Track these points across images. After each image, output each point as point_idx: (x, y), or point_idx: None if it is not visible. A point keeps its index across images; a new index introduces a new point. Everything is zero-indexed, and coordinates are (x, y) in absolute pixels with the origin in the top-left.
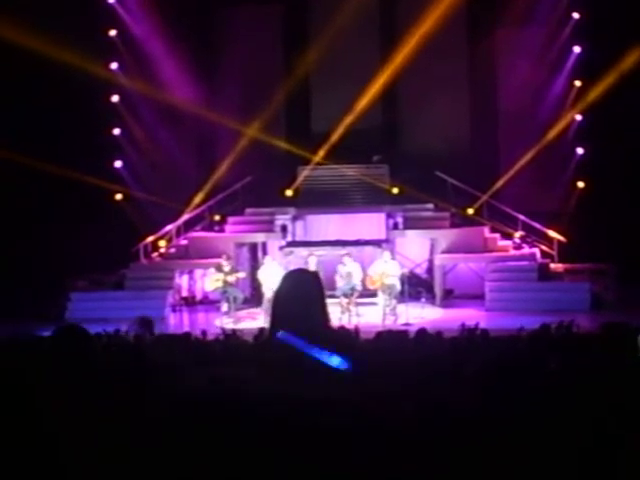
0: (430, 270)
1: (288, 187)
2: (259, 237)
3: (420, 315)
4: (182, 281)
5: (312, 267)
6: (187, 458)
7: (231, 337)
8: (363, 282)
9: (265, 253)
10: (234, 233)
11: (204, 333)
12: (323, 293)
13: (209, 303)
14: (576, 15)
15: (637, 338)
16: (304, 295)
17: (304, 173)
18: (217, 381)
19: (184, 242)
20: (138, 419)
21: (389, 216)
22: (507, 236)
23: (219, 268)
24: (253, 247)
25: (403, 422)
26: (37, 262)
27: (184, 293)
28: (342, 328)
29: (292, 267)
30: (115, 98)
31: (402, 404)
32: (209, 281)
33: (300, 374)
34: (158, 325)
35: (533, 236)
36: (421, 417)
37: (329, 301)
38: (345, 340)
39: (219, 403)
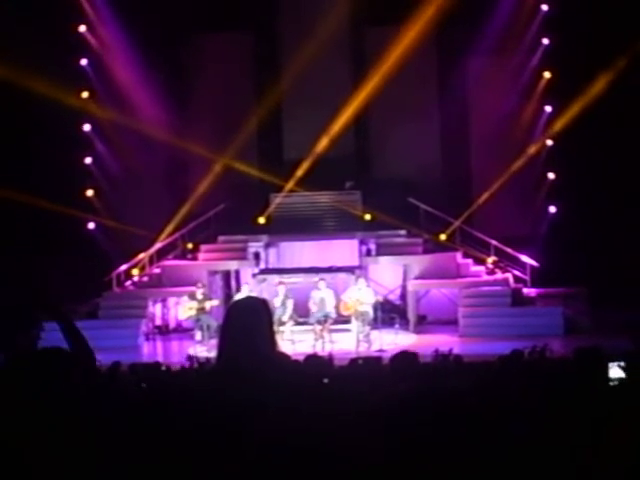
0: (403, 296)
1: (261, 214)
2: (232, 265)
3: (394, 341)
4: (155, 310)
5: (281, 296)
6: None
7: (205, 366)
8: (337, 308)
9: (238, 281)
10: (207, 261)
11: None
12: (271, 320)
13: (183, 331)
14: (546, 41)
15: (608, 364)
16: (251, 322)
17: (276, 200)
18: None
19: (157, 270)
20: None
21: (362, 242)
22: (480, 262)
23: (192, 296)
24: (226, 275)
25: (371, 451)
26: (9, 291)
27: (158, 322)
28: (314, 355)
29: (265, 295)
30: (87, 127)
31: (371, 433)
32: (182, 309)
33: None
34: (132, 354)
35: (506, 261)
36: (389, 447)
37: (303, 328)
38: (291, 366)
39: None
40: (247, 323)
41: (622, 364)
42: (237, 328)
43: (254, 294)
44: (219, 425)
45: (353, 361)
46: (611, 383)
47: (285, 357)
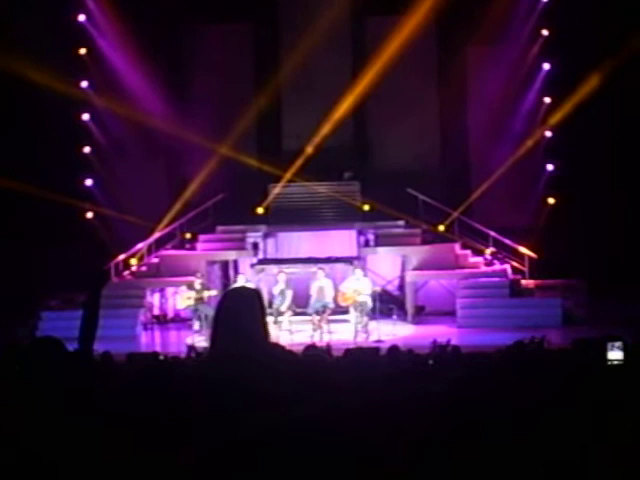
0: (401, 287)
1: (259, 205)
2: (230, 255)
3: (392, 332)
4: (154, 299)
5: (282, 285)
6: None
7: (202, 355)
8: (335, 299)
9: (237, 271)
10: (205, 251)
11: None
12: (264, 309)
13: (181, 321)
14: (545, 32)
15: (606, 348)
16: (244, 312)
17: (275, 191)
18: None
19: (155, 260)
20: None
21: (360, 233)
22: (478, 252)
23: (191, 286)
24: (225, 265)
25: (366, 440)
26: (7, 281)
27: (156, 311)
28: (312, 346)
29: (263, 285)
30: (85, 116)
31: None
32: (180, 299)
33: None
34: (130, 344)
35: (504, 252)
36: (386, 438)
37: (301, 318)
38: (284, 355)
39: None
40: (239, 312)
41: (620, 345)
42: (229, 317)
43: (250, 284)
44: (211, 413)
45: (348, 351)
46: (609, 363)
47: (279, 347)
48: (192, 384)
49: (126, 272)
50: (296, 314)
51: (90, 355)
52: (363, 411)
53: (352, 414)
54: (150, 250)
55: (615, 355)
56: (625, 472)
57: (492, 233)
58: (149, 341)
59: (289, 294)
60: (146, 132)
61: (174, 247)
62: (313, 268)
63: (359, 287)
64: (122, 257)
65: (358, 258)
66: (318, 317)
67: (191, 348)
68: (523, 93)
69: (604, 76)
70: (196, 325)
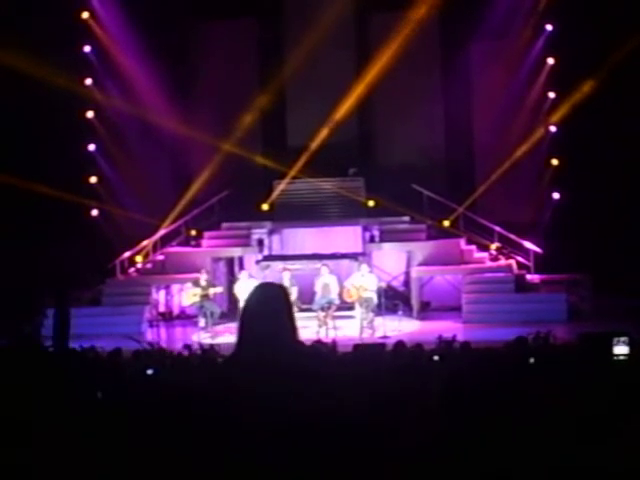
0: (407, 283)
1: (264, 201)
2: (236, 251)
3: (397, 328)
4: (159, 296)
5: (285, 282)
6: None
7: (208, 352)
8: (340, 295)
9: (242, 267)
10: (211, 248)
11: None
12: (291, 307)
13: (186, 318)
14: (549, 27)
15: (612, 342)
16: (271, 309)
17: (280, 187)
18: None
19: (161, 257)
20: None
21: (365, 229)
22: (483, 248)
23: (196, 283)
24: (230, 262)
25: (371, 439)
26: (13, 278)
27: (161, 308)
28: (318, 342)
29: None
30: (90, 114)
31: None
32: (186, 296)
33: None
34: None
35: (509, 247)
36: (390, 434)
37: (307, 315)
38: (313, 354)
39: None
40: (267, 310)
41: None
42: (257, 315)
43: (254, 280)
44: (239, 412)
45: (356, 347)
46: (615, 358)
47: (305, 345)
48: (217, 384)
49: (131, 269)
50: (301, 310)
51: (68, 353)
52: (370, 405)
53: (360, 408)
54: (155, 247)
55: (621, 350)
56: (631, 465)
57: (497, 228)
58: (155, 338)
59: (294, 290)
60: (151, 129)
61: (179, 244)
62: (318, 264)
63: (364, 283)
64: (127, 254)
65: (363, 254)
66: (323, 313)
67: (189, 347)
68: (527, 88)
69: (608, 71)
70: (201, 322)
